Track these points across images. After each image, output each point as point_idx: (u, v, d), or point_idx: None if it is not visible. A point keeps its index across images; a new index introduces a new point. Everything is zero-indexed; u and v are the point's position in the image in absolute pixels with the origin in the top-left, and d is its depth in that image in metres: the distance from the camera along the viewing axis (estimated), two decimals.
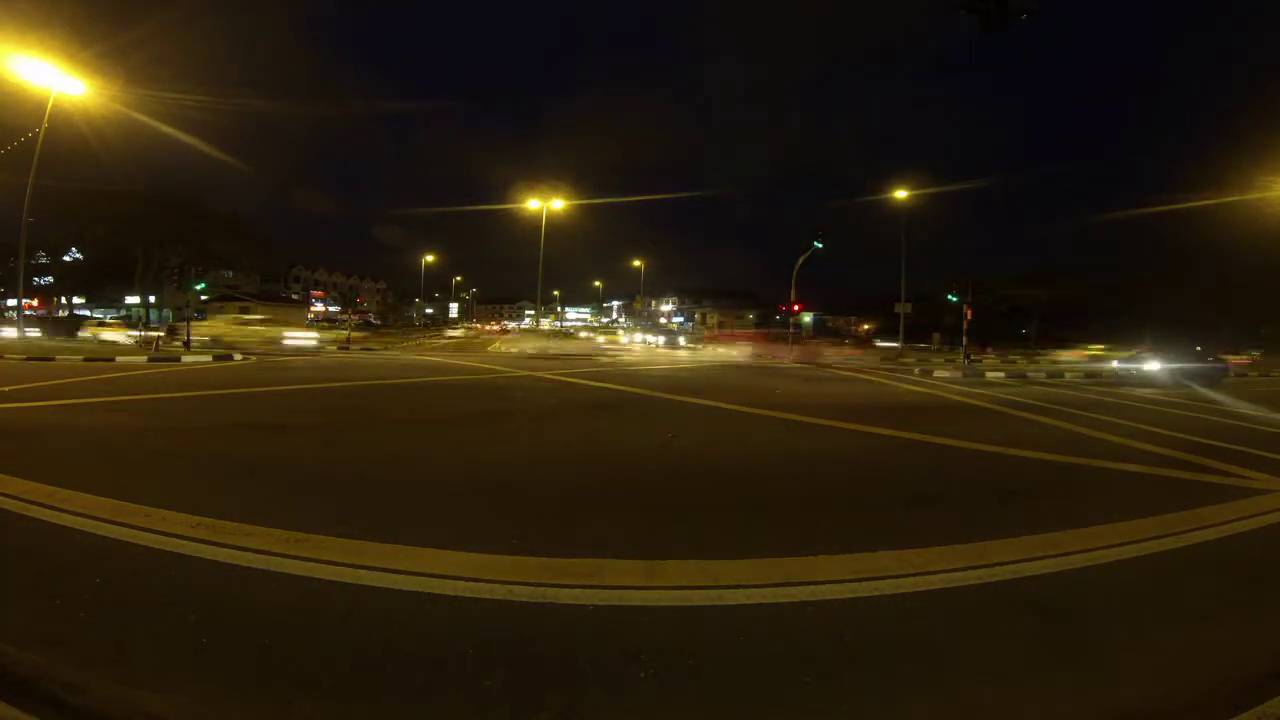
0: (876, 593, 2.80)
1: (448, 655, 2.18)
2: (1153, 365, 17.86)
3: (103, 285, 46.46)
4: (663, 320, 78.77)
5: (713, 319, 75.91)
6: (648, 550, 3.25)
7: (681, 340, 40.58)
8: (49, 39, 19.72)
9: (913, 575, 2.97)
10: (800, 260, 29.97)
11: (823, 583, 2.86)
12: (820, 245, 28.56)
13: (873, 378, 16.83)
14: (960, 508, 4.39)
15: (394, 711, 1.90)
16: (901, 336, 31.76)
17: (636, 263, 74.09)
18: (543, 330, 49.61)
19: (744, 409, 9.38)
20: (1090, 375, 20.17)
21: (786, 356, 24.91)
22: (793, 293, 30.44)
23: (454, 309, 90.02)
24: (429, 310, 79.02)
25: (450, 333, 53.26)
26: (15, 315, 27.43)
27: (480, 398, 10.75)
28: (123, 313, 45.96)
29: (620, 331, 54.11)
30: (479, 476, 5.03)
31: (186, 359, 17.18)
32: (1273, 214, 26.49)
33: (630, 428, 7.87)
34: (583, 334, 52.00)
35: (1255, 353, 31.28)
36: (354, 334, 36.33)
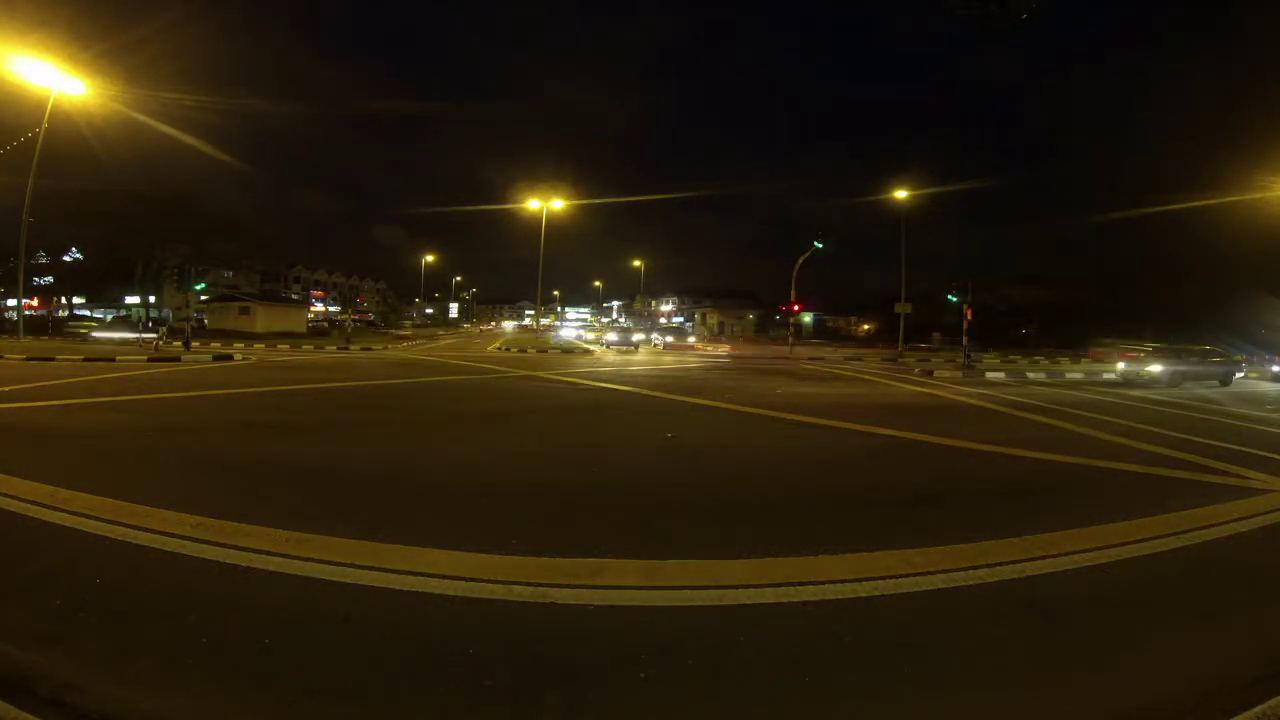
0: (877, 593, 2.80)
1: (448, 655, 2.18)
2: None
3: (103, 285, 46.38)
4: (663, 320, 78.71)
5: (713, 319, 75.85)
6: (648, 549, 3.25)
7: (691, 340, 39.82)
8: (49, 39, 19.75)
9: (913, 575, 2.97)
10: (800, 260, 30.00)
11: (823, 583, 2.86)
12: (820, 245, 28.59)
13: (873, 378, 16.82)
14: (961, 508, 4.39)
15: (394, 711, 1.90)
16: (901, 337, 31.70)
17: (636, 263, 74.16)
18: (522, 331, 48.08)
19: (744, 409, 9.39)
20: (1089, 375, 20.13)
21: None
22: (793, 293, 30.46)
23: (454, 309, 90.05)
24: (429, 310, 79.03)
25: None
26: (15, 316, 27.43)
27: (480, 399, 10.75)
28: (123, 313, 45.99)
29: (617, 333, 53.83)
30: (478, 477, 5.03)
31: (186, 359, 17.19)
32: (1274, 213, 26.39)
33: (630, 428, 7.86)
34: (565, 333, 50.75)
35: None
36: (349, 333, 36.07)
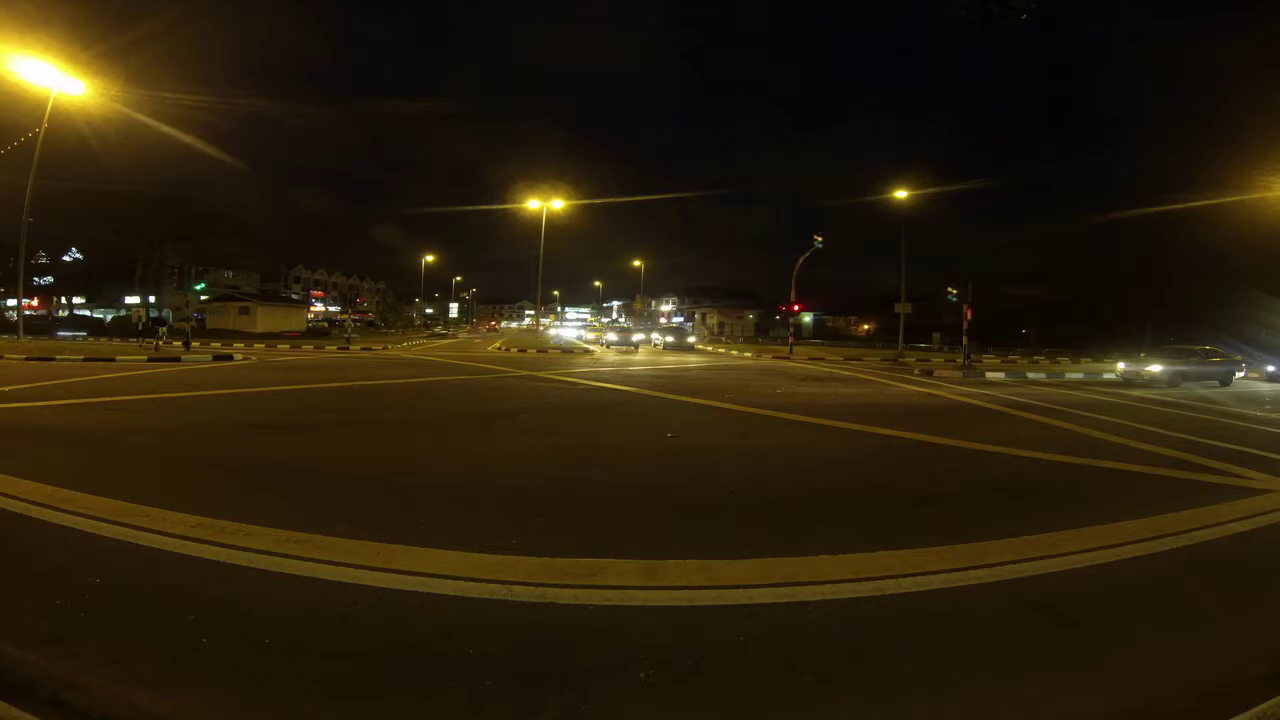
0: (877, 593, 2.80)
1: (448, 655, 2.18)
2: None
3: (103, 285, 46.46)
4: (663, 320, 78.68)
5: (713, 319, 75.84)
6: (648, 549, 3.25)
7: (691, 340, 39.19)
8: (49, 39, 19.72)
9: (913, 575, 2.96)
10: (800, 260, 30.01)
11: (823, 583, 2.86)
12: (819, 244, 28.61)
13: (873, 378, 16.82)
14: (961, 508, 4.39)
15: (394, 711, 1.89)
16: (901, 337, 31.69)
17: (636, 263, 74.05)
18: (513, 330, 48.02)
19: (745, 409, 9.39)
20: (1089, 375, 20.10)
21: None
22: (793, 293, 30.46)
23: (454, 309, 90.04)
24: (429, 310, 79.01)
25: None
26: (15, 316, 27.43)
27: (480, 399, 10.75)
28: (122, 313, 45.99)
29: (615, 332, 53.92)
30: (478, 477, 5.03)
31: (186, 359, 17.19)
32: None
33: (630, 428, 7.86)
34: (565, 333, 50.58)
35: None
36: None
